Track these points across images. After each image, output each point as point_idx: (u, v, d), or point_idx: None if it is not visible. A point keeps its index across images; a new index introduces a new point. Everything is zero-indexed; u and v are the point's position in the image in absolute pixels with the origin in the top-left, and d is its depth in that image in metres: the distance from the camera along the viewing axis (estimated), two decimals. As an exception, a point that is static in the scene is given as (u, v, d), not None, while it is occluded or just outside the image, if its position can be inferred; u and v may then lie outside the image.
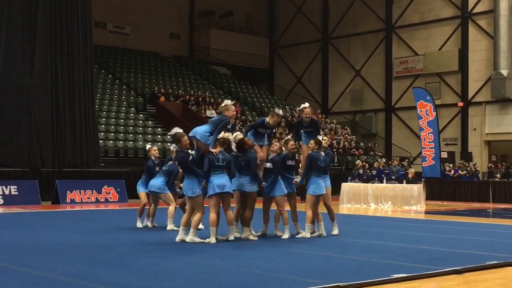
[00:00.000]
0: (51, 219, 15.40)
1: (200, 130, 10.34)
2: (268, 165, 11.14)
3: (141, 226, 12.93)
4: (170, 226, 12.38)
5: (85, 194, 20.89)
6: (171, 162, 12.51)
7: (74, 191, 20.67)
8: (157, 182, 12.47)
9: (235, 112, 11.17)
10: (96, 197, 21.09)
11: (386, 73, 38.75)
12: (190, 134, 10.46)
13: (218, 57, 42.29)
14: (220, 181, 10.26)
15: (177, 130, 10.94)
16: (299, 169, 11.91)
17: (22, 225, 13.83)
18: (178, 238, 10.47)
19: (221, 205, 10.53)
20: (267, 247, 10.08)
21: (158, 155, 13.35)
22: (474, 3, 35.00)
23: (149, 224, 13.04)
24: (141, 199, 13.10)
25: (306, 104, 11.75)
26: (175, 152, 11.44)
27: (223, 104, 10.72)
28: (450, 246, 10.56)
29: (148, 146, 13.81)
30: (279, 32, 44.74)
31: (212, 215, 10.29)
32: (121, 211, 18.72)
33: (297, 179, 11.39)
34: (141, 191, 13.06)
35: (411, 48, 37.57)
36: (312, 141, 11.38)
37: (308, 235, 11.25)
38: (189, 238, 10.36)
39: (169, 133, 10.95)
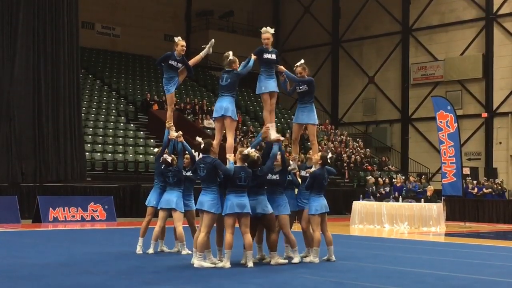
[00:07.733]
0: (31, 240, 15.37)
1: (232, 108, 10.93)
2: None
3: (141, 252, 12.21)
4: (185, 251, 12.21)
5: (69, 212, 20.87)
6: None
7: (57, 208, 20.64)
8: (171, 197, 12.15)
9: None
10: (82, 215, 21.08)
11: (403, 80, 38.77)
12: (218, 115, 10.98)
13: (217, 62, 42.27)
14: (240, 200, 10.33)
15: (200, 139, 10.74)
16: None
17: (-1, 246, 13.84)
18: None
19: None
20: (272, 272, 10.09)
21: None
22: (500, 4, 35.07)
23: (165, 248, 12.65)
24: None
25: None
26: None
27: (231, 58, 10.92)
28: (473, 272, 10.55)
29: (155, 150, 13.72)
30: (284, 34, 44.80)
31: (229, 237, 10.33)
32: (109, 231, 18.71)
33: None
34: (151, 205, 12.54)
35: (430, 53, 37.63)
36: (317, 156, 11.38)
37: (316, 260, 11.25)
38: (197, 263, 10.38)
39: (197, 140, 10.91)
